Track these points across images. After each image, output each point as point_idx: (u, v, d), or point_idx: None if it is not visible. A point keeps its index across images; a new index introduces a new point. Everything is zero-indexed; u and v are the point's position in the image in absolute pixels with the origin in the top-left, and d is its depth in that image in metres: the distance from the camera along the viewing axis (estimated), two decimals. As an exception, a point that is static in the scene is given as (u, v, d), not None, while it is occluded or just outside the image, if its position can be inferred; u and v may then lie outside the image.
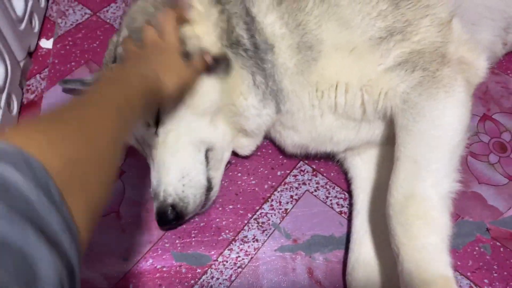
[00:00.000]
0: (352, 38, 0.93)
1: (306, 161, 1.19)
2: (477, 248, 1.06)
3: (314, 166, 1.18)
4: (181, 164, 0.97)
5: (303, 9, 0.94)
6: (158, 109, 0.95)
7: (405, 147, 0.90)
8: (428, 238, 0.82)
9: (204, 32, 0.95)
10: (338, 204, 1.12)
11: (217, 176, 1.05)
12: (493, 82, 1.36)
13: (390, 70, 0.93)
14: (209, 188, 1.01)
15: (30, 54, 1.34)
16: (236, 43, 0.95)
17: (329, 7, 0.93)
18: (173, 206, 0.96)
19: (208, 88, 0.95)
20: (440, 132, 0.89)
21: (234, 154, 1.15)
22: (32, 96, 1.28)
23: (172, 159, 0.97)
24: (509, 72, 1.39)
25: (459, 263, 1.04)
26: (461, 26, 1.00)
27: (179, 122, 0.97)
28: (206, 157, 1.01)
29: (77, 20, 1.45)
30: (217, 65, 0.94)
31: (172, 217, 0.97)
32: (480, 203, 1.13)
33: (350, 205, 1.11)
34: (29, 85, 1.31)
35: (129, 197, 1.11)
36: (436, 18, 0.94)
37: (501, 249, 1.06)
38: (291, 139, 1.08)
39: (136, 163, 1.12)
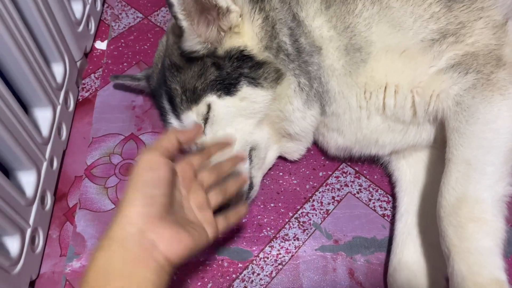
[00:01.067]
0: (403, 40, 0.93)
1: (349, 163, 1.19)
2: (527, 258, 1.03)
3: (357, 168, 1.18)
4: None
5: (352, 12, 0.95)
6: (208, 110, 0.98)
7: (458, 149, 0.89)
8: (481, 241, 0.81)
9: (248, 39, 0.96)
10: (381, 207, 1.12)
11: (258, 175, 1.07)
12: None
13: (443, 72, 0.92)
14: (250, 187, 1.03)
15: (86, 54, 1.42)
16: (277, 49, 0.97)
17: (380, 9, 0.94)
18: None
19: (258, 98, 0.97)
20: (494, 135, 0.88)
21: (284, 159, 1.17)
22: (87, 94, 1.36)
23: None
24: None
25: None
26: None
27: (227, 124, 0.99)
28: (250, 156, 1.03)
29: (129, 23, 1.51)
30: (263, 72, 0.96)
31: None
32: (531, 211, 1.09)
33: (393, 208, 1.11)
34: (84, 84, 1.38)
35: (174, 192, 1.15)
36: (490, 21, 0.93)
37: (553, 260, 1.02)
38: (335, 141, 1.09)
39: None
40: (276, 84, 0.97)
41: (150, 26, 1.51)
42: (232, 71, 0.95)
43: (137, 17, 1.54)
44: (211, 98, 0.97)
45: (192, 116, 0.99)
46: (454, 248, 0.82)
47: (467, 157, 0.87)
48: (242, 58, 0.95)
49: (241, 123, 1.00)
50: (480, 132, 0.88)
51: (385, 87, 0.97)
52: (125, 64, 1.41)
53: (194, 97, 0.97)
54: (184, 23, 0.91)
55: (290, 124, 1.02)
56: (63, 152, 1.22)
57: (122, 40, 1.47)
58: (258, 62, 0.96)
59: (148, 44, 1.45)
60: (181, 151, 0.81)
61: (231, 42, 0.97)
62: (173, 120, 1.04)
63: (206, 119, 0.99)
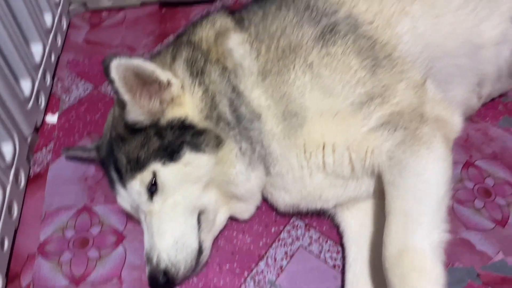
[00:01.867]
0: (335, 104, 1.01)
1: (299, 216, 1.24)
2: (469, 294, 1.09)
3: (307, 221, 1.23)
4: (176, 230, 1.03)
5: (286, 82, 1.03)
6: (154, 178, 1.02)
7: (395, 201, 0.96)
8: None
9: (189, 109, 1.03)
10: (331, 258, 1.16)
11: (208, 239, 1.10)
12: (473, 130, 1.44)
13: (374, 130, 1.01)
14: (199, 252, 1.06)
15: (36, 129, 1.44)
16: (217, 118, 1.04)
17: (312, 77, 1.02)
18: (165, 271, 1.01)
19: (201, 162, 1.02)
20: (425, 185, 0.96)
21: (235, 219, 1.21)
22: (38, 169, 1.37)
23: (167, 225, 1.03)
24: (487, 119, 1.46)
25: (452, 310, 1.06)
26: (435, 86, 1.09)
27: (175, 191, 1.03)
28: (198, 220, 1.06)
29: (80, 95, 1.56)
30: (204, 139, 1.02)
31: (163, 282, 1.01)
32: (469, 249, 1.17)
33: (343, 258, 1.15)
34: (36, 158, 1.39)
35: (130, 262, 1.16)
36: (411, 81, 1.04)
37: (493, 294, 1.09)
38: (282, 199, 1.14)
39: (136, 228, 1.18)
40: (217, 149, 1.02)
41: (100, 96, 1.55)
42: (174, 139, 1.01)
43: (87, 88, 1.58)
44: (156, 166, 1.01)
45: (136, 184, 1.02)
46: None
47: (403, 209, 0.94)
48: (183, 127, 1.01)
49: (188, 189, 1.04)
50: (413, 184, 0.96)
51: (323, 147, 1.04)
52: (76, 135, 1.44)
53: (138, 166, 1.02)
54: (126, 97, 0.97)
55: (235, 187, 1.07)
56: (15, 231, 1.21)
57: (73, 112, 1.50)
58: (199, 130, 1.02)
59: (98, 115, 1.49)
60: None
61: (173, 113, 1.02)
62: (120, 189, 1.07)
63: (151, 187, 1.02)
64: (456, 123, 1.08)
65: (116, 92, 0.95)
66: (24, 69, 1.37)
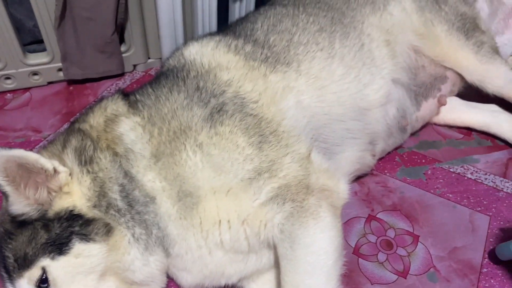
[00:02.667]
0: (226, 181, 1.04)
1: (209, 291, 1.23)
2: None
3: (216, 295, 1.23)
4: None
5: (178, 162, 1.05)
6: (44, 274, 0.98)
7: (287, 275, 1.00)
8: None
9: (77, 198, 1.02)
10: (242, 331, 1.16)
11: None
12: (373, 183, 1.52)
13: (264, 204, 1.04)
14: None
15: None
16: (107, 206, 1.03)
17: (202, 156, 1.05)
18: None
19: (92, 252, 1.00)
20: (314, 257, 1.00)
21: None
22: None
23: None
24: (386, 171, 1.56)
25: None
26: (320, 156, 1.15)
27: (68, 285, 0.99)
28: None
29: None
30: (93, 228, 1.00)
31: None
32: (375, 304, 1.21)
33: (254, 330, 1.15)
34: None
35: None
36: (296, 154, 1.09)
37: None
38: (186, 280, 1.13)
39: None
40: (108, 237, 1.01)
41: None
42: (62, 231, 0.98)
43: (-12, 176, 1.52)
44: (45, 262, 0.97)
45: (24, 283, 0.98)
46: None
47: (295, 284, 0.98)
48: (71, 217, 1.00)
49: (82, 281, 1.01)
50: (302, 256, 0.99)
51: (219, 224, 1.06)
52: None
53: (25, 263, 0.97)
54: (8, 188, 0.95)
55: (133, 273, 1.05)
56: None
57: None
58: (88, 219, 1.00)
59: (-1, 204, 1.43)
60: None
61: (61, 203, 1.01)
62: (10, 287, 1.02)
63: (41, 285, 0.97)
64: (341, 190, 1.12)
65: None
66: None
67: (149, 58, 1.93)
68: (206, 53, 1.23)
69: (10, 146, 1.57)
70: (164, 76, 1.22)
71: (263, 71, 1.21)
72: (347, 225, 1.39)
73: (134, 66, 1.92)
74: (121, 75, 1.89)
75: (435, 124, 1.73)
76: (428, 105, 1.61)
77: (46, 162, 0.99)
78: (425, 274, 1.28)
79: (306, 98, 1.23)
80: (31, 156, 0.97)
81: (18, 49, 1.69)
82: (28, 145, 1.61)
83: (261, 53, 1.25)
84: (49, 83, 1.83)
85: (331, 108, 1.28)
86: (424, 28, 1.52)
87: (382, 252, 1.33)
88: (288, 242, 1.01)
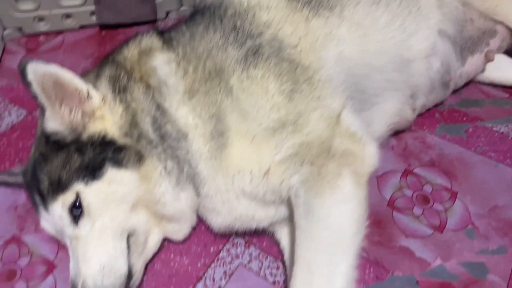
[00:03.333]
0: (250, 128, 1.00)
1: (239, 234, 1.22)
2: (409, 302, 1.09)
3: (246, 238, 1.21)
4: (103, 255, 0.98)
5: (212, 102, 1.02)
6: (77, 199, 0.98)
7: (300, 247, 0.94)
8: None
9: (110, 125, 1.01)
10: (271, 274, 1.14)
11: (139, 262, 1.05)
12: (411, 138, 1.46)
13: (283, 161, 0.99)
14: (129, 276, 1.02)
15: (-35, 158, 1.37)
16: (138, 136, 1.01)
17: (232, 100, 1.01)
18: None
19: (124, 179, 0.99)
20: (329, 232, 0.93)
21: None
22: (-36, 200, 1.30)
23: (93, 250, 0.98)
24: (425, 127, 1.49)
25: (393, 319, 1.05)
26: (352, 118, 1.05)
27: (101, 213, 0.99)
28: (128, 243, 1.02)
29: (12, 121, 1.50)
30: (125, 155, 0.99)
31: None
32: (408, 256, 1.17)
33: (285, 274, 1.13)
34: (-38, 189, 1.32)
35: (60, 292, 1.11)
36: (326, 111, 1.01)
37: (433, 300, 1.09)
38: (215, 221, 1.11)
39: (67, 256, 1.12)
40: (140, 166, 1.00)
41: (34, 122, 1.50)
42: (95, 156, 0.98)
43: (21, 114, 1.53)
44: (79, 187, 0.98)
45: (58, 207, 0.98)
46: None
47: (307, 260, 0.92)
48: (104, 143, 0.99)
49: (115, 210, 1.00)
50: (316, 231, 0.93)
51: (243, 173, 1.02)
52: (7, 163, 1.38)
53: (60, 187, 0.98)
54: (45, 101, 0.95)
55: (163, 207, 1.04)
56: None
57: (5, 139, 1.44)
58: (120, 146, 0.99)
59: (31, 141, 1.43)
60: None
61: (94, 127, 1.00)
62: (43, 212, 1.02)
63: (75, 211, 0.98)
64: (369, 155, 1.02)
65: (35, 96, 0.93)
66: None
67: (182, 5, 1.88)
68: None
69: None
70: (200, 13, 1.18)
71: (305, 15, 1.15)
72: (382, 178, 1.35)
73: (167, 13, 1.88)
74: (154, 21, 1.85)
75: (479, 82, 1.63)
76: (474, 61, 1.52)
77: (80, 82, 0.99)
78: (462, 230, 1.23)
79: (347, 48, 1.15)
80: (66, 73, 0.96)
81: (52, -10, 1.67)
82: (60, 86, 1.61)
83: None
84: (82, 27, 1.82)
85: (373, 58, 1.21)
86: None
87: (418, 206, 1.28)
88: (303, 210, 0.95)
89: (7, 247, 1.19)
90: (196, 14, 1.19)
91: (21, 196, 1.29)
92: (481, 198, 1.30)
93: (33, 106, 1.55)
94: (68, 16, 1.76)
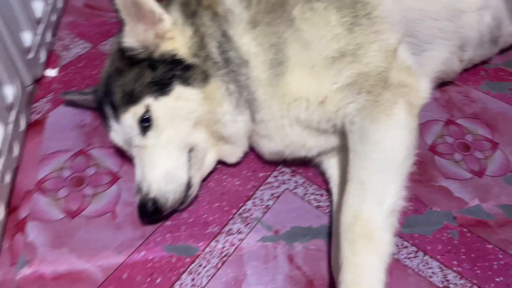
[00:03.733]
0: (311, 57, 1.07)
1: (286, 164, 1.30)
2: (445, 234, 1.15)
3: (293, 168, 1.29)
4: (167, 163, 1.09)
5: (274, 33, 1.09)
6: (146, 112, 1.08)
7: (354, 168, 1.00)
8: (367, 255, 0.90)
9: (180, 46, 1.10)
10: (315, 200, 1.22)
11: (197, 176, 1.16)
12: (455, 92, 1.50)
13: (341, 90, 1.05)
14: (188, 186, 1.12)
15: (36, 82, 1.49)
16: (205, 57, 1.10)
17: (294, 31, 1.08)
18: (155, 200, 1.07)
19: (190, 96, 1.08)
20: (382, 154, 0.99)
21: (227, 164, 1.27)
22: (37, 117, 1.42)
23: (159, 159, 1.09)
24: (469, 83, 1.53)
25: (429, 247, 1.12)
26: (407, 54, 1.12)
27: (167, 127, 1.09)
28: (188, 158, 1.12)
29: (78, 52, 1.61)
30: (192, 74, 1.08)
31: (152, 210, 1.07)
32: (447, 195, 1.23)
33: (328, 201, 1.21)
34: (35, 108, 1.44)
35: (124, 199, 1.22)
36: (384, 44, 1.07)
37: (468, 235, 1.15)
38: (268, 147, 1.20)
39: (131, 170, 1.23)
40: (205, 85, 1.09)
41: (98, 54, 1.61)
42: (165, 73, 1.07)
43: (86, 47, 1.64)
44: (149, 100, 1.07)
45: (129, 117, 1.08)
46: (345, 261, 0.91)
47: (360, 176, 0.98)
48: (174, 61, 1.08)
49: (179, 125, 1.10)
50: (371, 153, 0.99)
51: (298, 101, 1.09)
52: (74, 88, 1.49)
53: (132, 99, 1.08)
54: (125, 17, 1.04)
55: (223, 126, 1.13)
56: (15, 169, 1.26)
57: (72, 67, 1.56)
58: (188, 65, 1.08)
59: (96, 71, 1.54)
60: None
61: (165, 46, 1.09)
62: (113, 124, 1.12)
63: (144, 122, 1.08)
64: (422, 88, 1.09)
65: (116, 9, 1.03)
66: (26, 22, 1.43)
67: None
68: None
69: (106, 24, 1.68)
70: None
71: None
72: (424, 125, 1.40)
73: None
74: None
75: (527, 45, 1.65)
76: (526, 20, 1.54)
77: (155, 5, 1.07)
78: (501, 177, 1.28)
79: None
80: None
81: None
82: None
83: None
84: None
85: (427, 4, 1.25)
86: None
87: (459, 152, 1.34)
88: (358, 135, 1.01)
89: (76, 158, 1.30)
90: None
91: (88, 116, 1.40)
92: (522, 150, 1.34)
93: (98, 40, 1.66)
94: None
